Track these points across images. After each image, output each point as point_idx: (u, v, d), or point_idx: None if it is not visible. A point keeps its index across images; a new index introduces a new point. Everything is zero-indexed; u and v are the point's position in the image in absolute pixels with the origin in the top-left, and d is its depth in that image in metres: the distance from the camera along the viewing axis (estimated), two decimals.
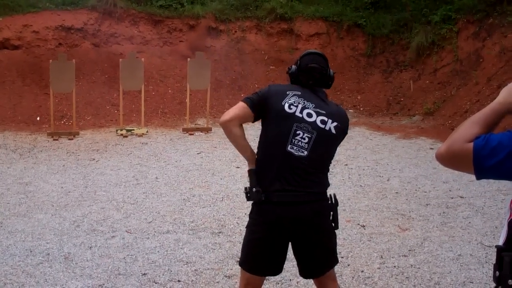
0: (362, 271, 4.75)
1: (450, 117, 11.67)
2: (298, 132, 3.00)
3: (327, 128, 3.03)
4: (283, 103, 3.04)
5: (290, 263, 3.80)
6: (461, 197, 6.93)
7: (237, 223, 5.92)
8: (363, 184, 7.59)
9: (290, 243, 3.12)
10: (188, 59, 11.56)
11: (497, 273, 1.82)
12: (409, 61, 14.35)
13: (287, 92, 3.08)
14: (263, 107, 3.10)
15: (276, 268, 3.17)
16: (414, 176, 8.00)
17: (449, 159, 1.90)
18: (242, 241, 5.30)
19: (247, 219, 5.89)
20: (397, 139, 10.80)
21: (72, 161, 8.66)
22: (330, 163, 3.17)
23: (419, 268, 4.85)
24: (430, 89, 13.31)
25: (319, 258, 3.13)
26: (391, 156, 9.33)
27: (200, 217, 6.12)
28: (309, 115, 3.02)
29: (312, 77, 3.14)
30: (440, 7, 14.24)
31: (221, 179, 7.74)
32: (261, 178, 3.04)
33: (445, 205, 6.65)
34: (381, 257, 5.08)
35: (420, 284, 4.53)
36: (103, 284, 4.45)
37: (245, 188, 3.12)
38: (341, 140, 3.18)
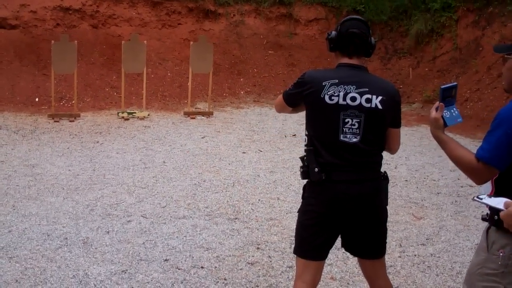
0: None
1: None
2: (347, 120, 2.93)
3: (373, 105, 2.94)
4: (322, 96, 2.95)
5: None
6: (470, 185, 6.94)
7: (251, 209, 5.90)
8: None
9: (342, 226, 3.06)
10: (191, 42, 11.44)
11: None
12: (408, 48, 14.35)
13: (323, 83, 2.96)
14: (300, 97, 3.07)
15: (325, 251, 3.10)
16: (421, 164, 8.02)
17: (483, 180, 2.50)
18: (259, 227, 5.38)
19: (261, 205, 6.01)
20: None
21: (76, 144, 8.56)
22: (385, 139, 3.07)
23: (439, 257, 4.87)
24: (429, 76, 13.33)
25: (378, 236, 3.10)
26: None
27: (214, 202, 6.10)
28: (353, 99, 2.93)
29: (352, 42, 3.03)
30: None
31: (229, 164, 7.70)
32: (319, 159, 2.96)
33: (456, 194, 6.68)
34: (400, 245, 5.10)
35: (443, 274, 4.56)
36: (127, 270, 4.41)
37: (302, 167, 3.03)
38: (395, 111, 3.05)
